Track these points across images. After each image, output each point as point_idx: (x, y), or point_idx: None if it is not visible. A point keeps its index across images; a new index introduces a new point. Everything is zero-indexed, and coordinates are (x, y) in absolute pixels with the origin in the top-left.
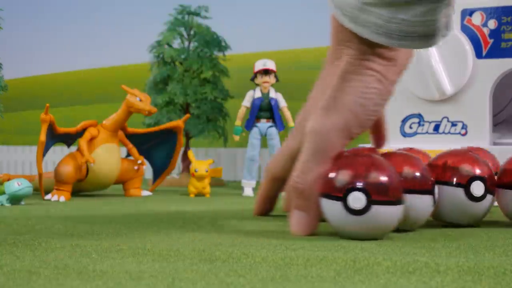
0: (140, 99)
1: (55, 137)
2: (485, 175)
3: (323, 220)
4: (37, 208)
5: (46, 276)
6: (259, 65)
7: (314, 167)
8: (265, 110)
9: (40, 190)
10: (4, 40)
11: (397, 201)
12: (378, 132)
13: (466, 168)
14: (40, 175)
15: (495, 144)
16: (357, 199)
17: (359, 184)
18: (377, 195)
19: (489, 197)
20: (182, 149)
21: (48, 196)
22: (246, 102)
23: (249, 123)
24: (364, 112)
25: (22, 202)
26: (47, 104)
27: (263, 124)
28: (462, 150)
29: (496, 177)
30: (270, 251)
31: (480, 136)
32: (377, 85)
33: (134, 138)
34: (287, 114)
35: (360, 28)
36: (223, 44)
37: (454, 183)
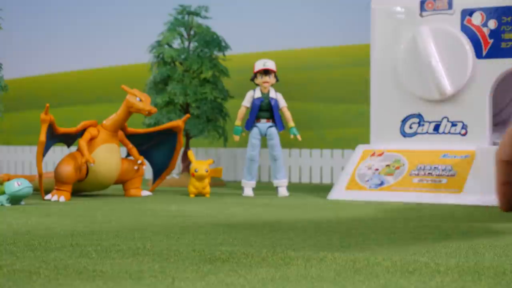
0: (140, 99)
1: (55, 137)
2: None
3: None
4: (37, 208)
5: (46, 276)
6: (259, 65)
7: None
8: (265, 110)
9: (40, 190)
10: (4, 40)
11: None
12: None
13: None
14: (40, 175)
15: (495, 144)
16: None
17: None
18: None
19: None
20: (182, 149)
21: (48, 196)
22: (246, 102)
23: (249, 123)
24: None
25: (22, 202)
26: (47, 104)
27: (263, 124)
28: None
29: None
30: (270, 251)
31: (480, 136)
32: None
33: (134, 138)
34: (287, 114)
35: None
36: (223, 44)
37: None
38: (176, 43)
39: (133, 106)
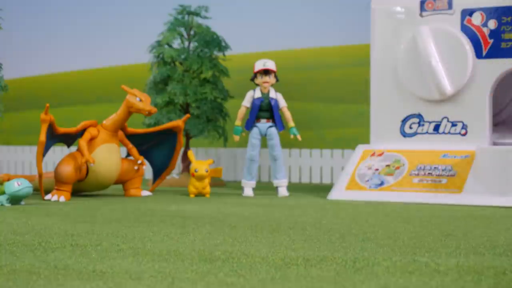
0: (140, 99)
1: (55, 137)
2: None
3: None
4: (37, 208)
5: (46, 276)
6: (259, 65)
7: None
8: (265, 110)
9: (40, 190)
10: (4, 40)
11: None
12: None
13: None
14: (40, 175)
15: (495, 144)
16: None
17: None
18: None
19: None
20: (182, 149)
21: (48, 196)
22: (246, 102)
23: (249, 123)
24: None
25: (22, 202)
26: (47, 104)
27: (263, 124)
28: None
29: None
30: (270, 251)
31: (480, 136)
32: None
33: (134, 138)
34: (287, 114)
35: None
36: (223, 44)
37: None
38: (176, 43)
39: (133, 106)
